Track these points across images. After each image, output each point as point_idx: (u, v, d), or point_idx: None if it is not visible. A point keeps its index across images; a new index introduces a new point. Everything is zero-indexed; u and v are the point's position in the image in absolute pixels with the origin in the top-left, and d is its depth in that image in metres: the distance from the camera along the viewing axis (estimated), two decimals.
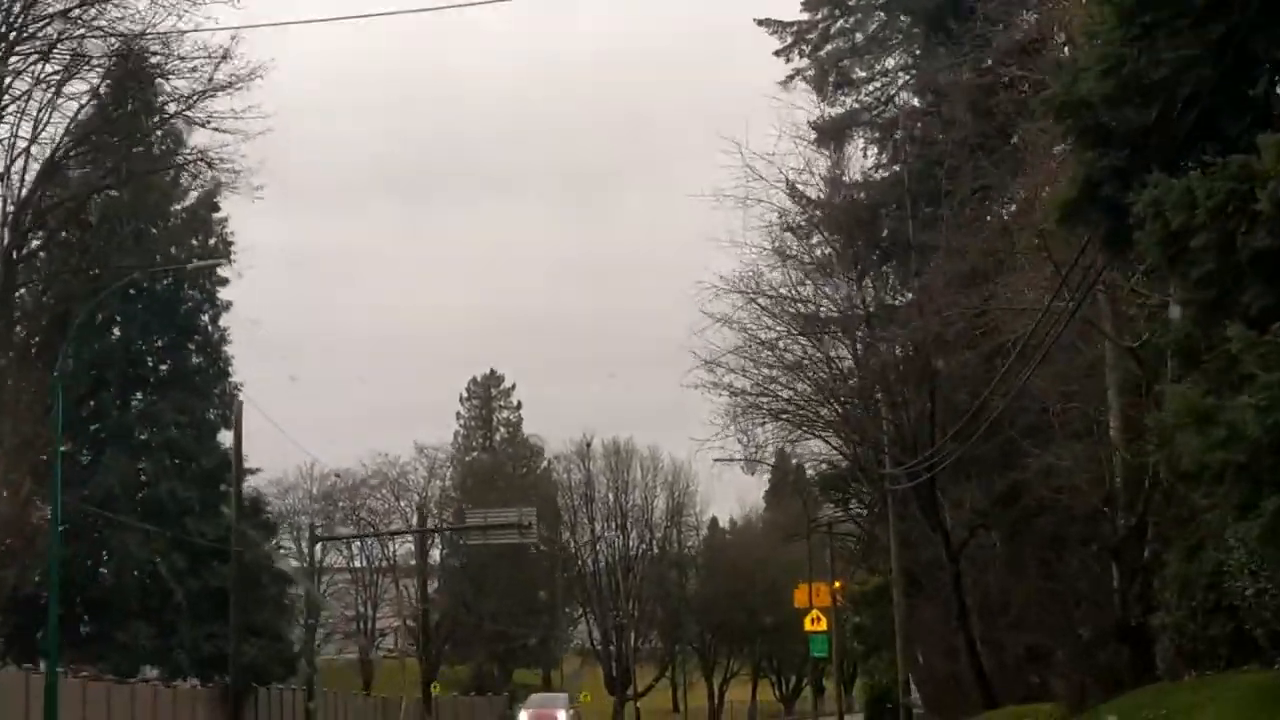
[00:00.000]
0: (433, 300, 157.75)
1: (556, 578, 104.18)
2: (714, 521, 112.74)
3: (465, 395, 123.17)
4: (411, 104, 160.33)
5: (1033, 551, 35.07)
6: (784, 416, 46.89)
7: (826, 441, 49.68)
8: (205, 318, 62.30)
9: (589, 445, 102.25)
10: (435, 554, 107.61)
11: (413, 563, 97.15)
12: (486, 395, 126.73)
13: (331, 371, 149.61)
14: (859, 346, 45.11)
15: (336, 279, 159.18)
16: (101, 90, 49.18)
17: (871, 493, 50.00)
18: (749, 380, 44.77)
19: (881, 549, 49.64)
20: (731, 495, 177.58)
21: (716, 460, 49.19)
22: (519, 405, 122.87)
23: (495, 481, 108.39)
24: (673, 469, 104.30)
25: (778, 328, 44.30)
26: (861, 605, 58.00)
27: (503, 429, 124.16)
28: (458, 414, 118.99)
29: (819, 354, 45.54)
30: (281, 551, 76.38)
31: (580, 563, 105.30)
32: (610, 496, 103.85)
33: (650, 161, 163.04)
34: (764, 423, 46.10)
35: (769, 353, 44.27)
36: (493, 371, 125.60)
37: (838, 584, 62.03)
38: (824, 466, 55.15)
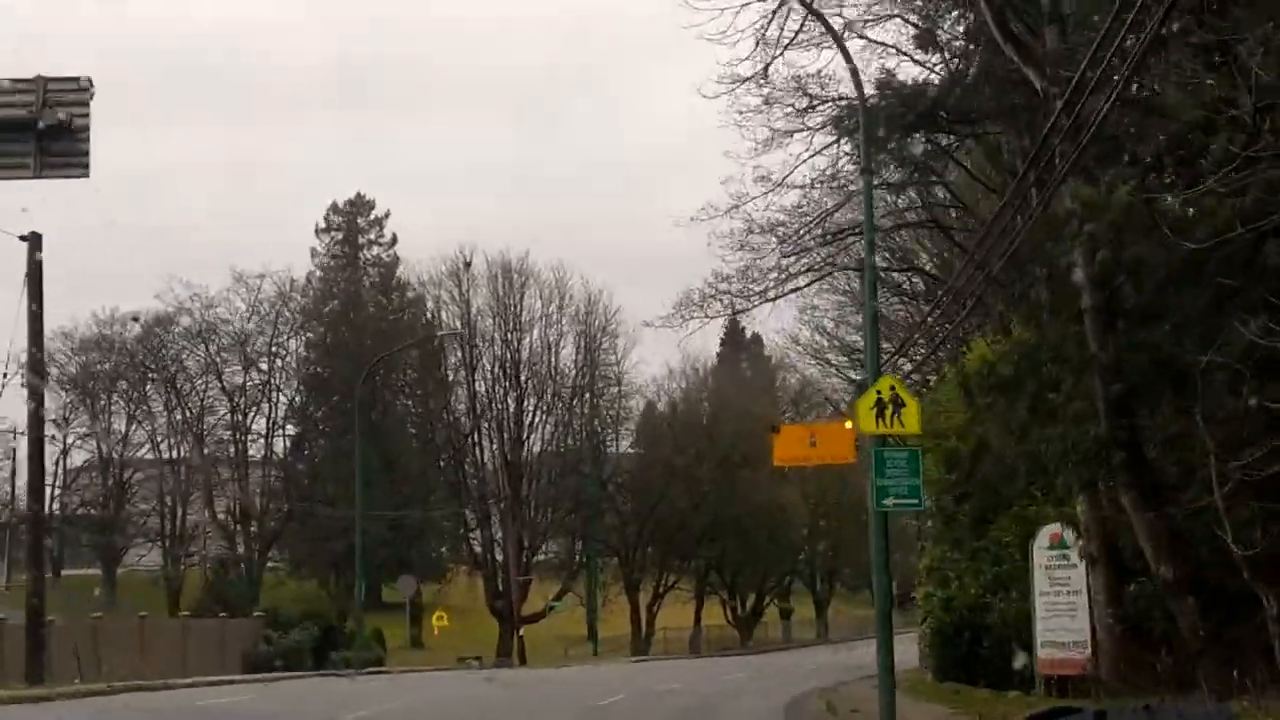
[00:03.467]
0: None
1: (439, 463, 77.27)
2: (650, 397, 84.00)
3: (322, 225, 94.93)
4: None
5: None
6: None
7: None
8: None
9: (468, 265, 74.33)
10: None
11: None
12: (351, 226, 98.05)
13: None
14: None
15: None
16: None
17: None
18: None
19: None
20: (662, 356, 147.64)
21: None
22: (394, 240, 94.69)
23: (362, 335, 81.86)
24: (586, 300, 76.55)
25: None
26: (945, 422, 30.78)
27: (372, 270, 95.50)
28: (312, 250, 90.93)
29: None
30: None
31: (454, 436, 77.46)
32: (496, 340, 75.74)
33: None
34: None
35: None
36: (360, 196, 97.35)
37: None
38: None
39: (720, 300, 31.57)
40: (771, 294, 32.00)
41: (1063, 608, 25.41)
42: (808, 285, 31.99)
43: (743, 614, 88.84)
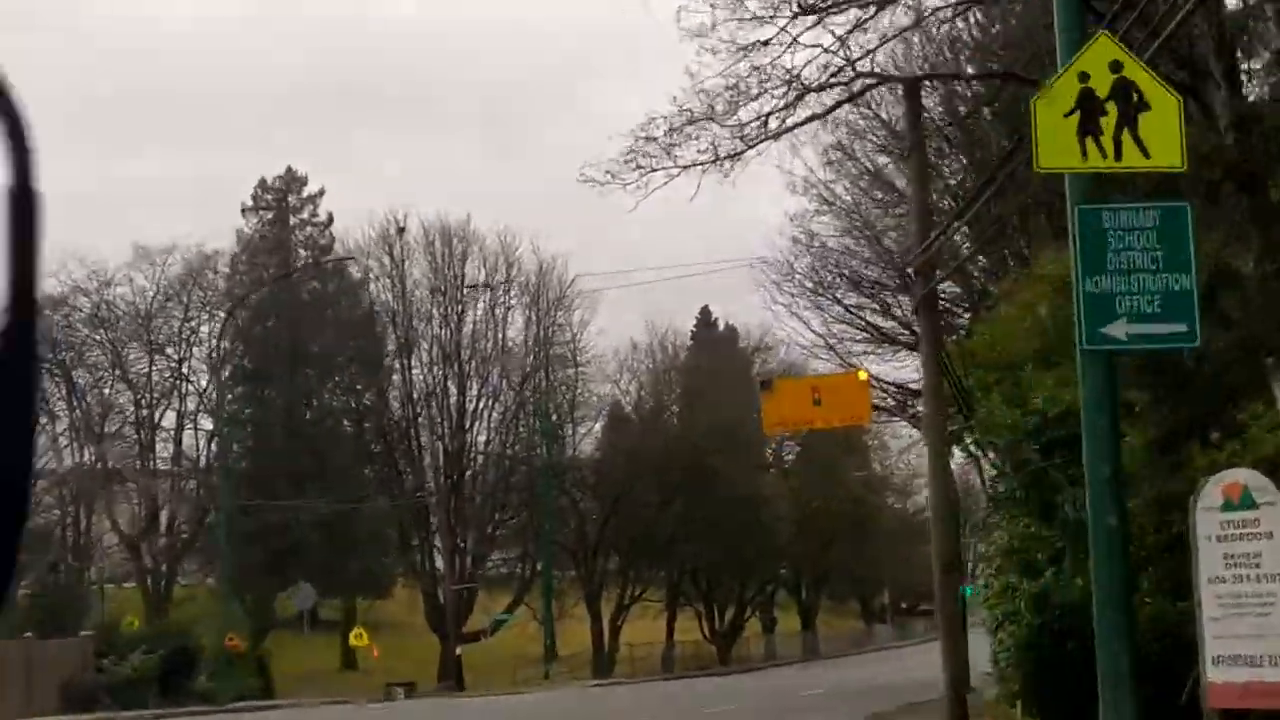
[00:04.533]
0: None
1: (370, 460, 67.92)
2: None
3: (250, 204, 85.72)
4: None
5: None
6: None
7: None
8: None
9: (401, 231, 65.01)
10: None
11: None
12: (282, 204, 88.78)
13: None
14: None
15: None
16: None
17: None
18: None
19: None
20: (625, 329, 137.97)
21: None
22: (329, 220, 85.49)
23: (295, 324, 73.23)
24: (537, 269, 67.32)
25: None
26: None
27: (304, 252, 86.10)
28: (238, 232, 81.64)
29: None
30: None
31: (387, 428, 68.06)
32: (435, 316, 66.34)
33: None
34: None
35: None
36: (291, 171, 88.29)
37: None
38: None
39: (695, 139, 19.94)
40: (776, 124, 20.28)
41: (1250, 602, 15.97)
42: (831, 110, 21.24)
43: (721, 628, 79.45)
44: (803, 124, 19.97)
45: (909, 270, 18.96)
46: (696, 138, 19.36)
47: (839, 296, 34.81)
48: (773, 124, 19.10)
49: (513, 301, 68.03)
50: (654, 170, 19.45)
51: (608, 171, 20.05)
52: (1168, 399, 15.04)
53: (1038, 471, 20.76)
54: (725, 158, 19.19)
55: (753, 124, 19.00)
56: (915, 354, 36.32)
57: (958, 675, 15.23)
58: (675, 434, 70.54)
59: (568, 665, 69.49)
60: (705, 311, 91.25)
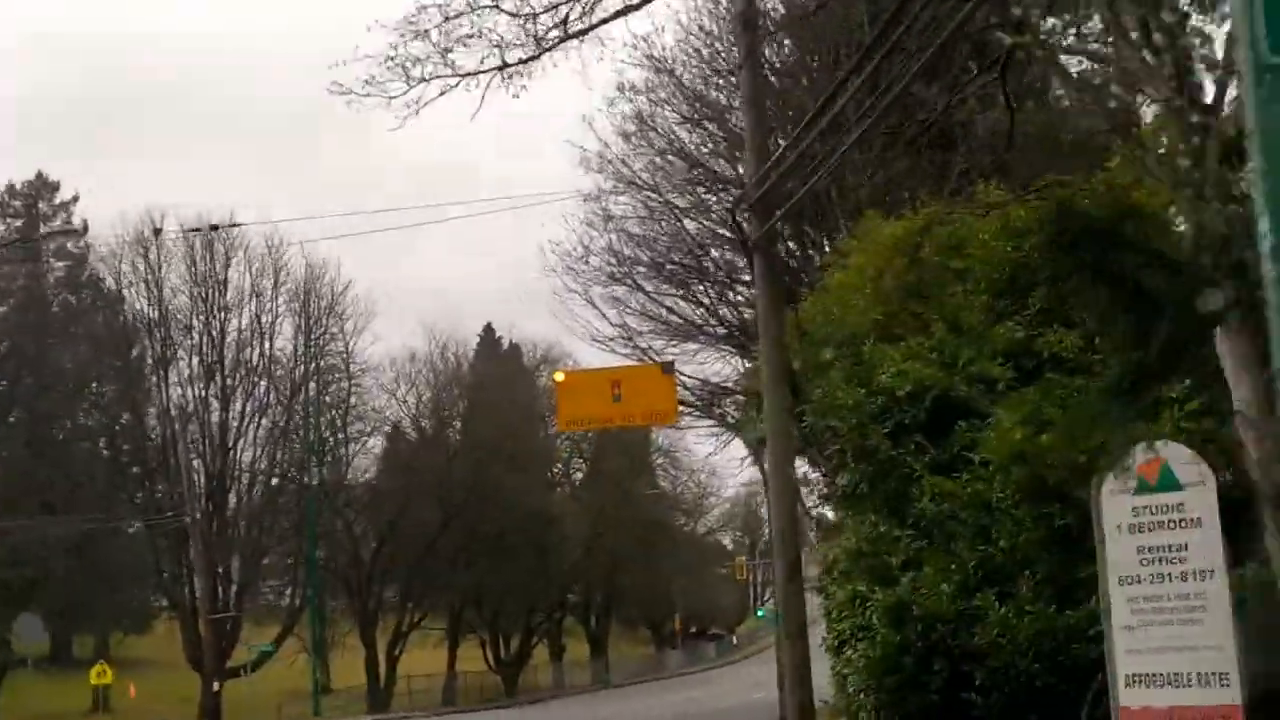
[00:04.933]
0: None
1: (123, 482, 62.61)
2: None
3: None
4: None
5: None
6: None
7: None
8: None
9: (158, 232, 59.85)
10: None
11: None
12: (32, 212, 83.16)
13: None
14: None
15: None
16: None
17: None
18: None
19: None
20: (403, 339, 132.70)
21: None
22: (85, 228, 78.58)
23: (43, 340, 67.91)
24: (307, 274, 62.83)
25: None
26: None
27: (57, 263, 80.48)
28: None
29: None
30: None
31: (141, 448, 62.82)
32: (195, 326, 61.29)
33: None
34: None
35: None
36: (42, 176, 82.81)
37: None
38: None
39: (477, 38, 15.41)
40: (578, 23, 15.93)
41: (1173, 607, 13.00)
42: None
43: (506, 656, 75.51)
44: (611, 19, 16.44)
45: (741, 210, 15.61)
46: (479, 35, 15.73)
47: (639, 282, 31.55)
48: (575, 24, 15.53)
49: (280, 309, 63.43)
50: (426, 80, 15.77)
51: (366, 81, 16.26)
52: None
53: (887, 460, 17.60)
54: (510, 66, 15.57)
55: (546, 16, 15.42)
56: (723, 350, 33.20)
57: (806, 702, 12.02)
58: (457, 450, 66.60)
59: (344, 699, 64.93)
60: (489, 329, 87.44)
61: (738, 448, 37.72)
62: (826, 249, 21.65)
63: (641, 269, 31.62)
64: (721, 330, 31.59)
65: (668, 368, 28.37)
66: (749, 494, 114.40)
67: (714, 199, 29.96)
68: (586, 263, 32.30)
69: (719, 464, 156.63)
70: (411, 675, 65.34)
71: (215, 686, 53.62)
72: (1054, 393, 16.65)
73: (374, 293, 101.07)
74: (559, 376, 28.61)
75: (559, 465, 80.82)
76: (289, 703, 61.40)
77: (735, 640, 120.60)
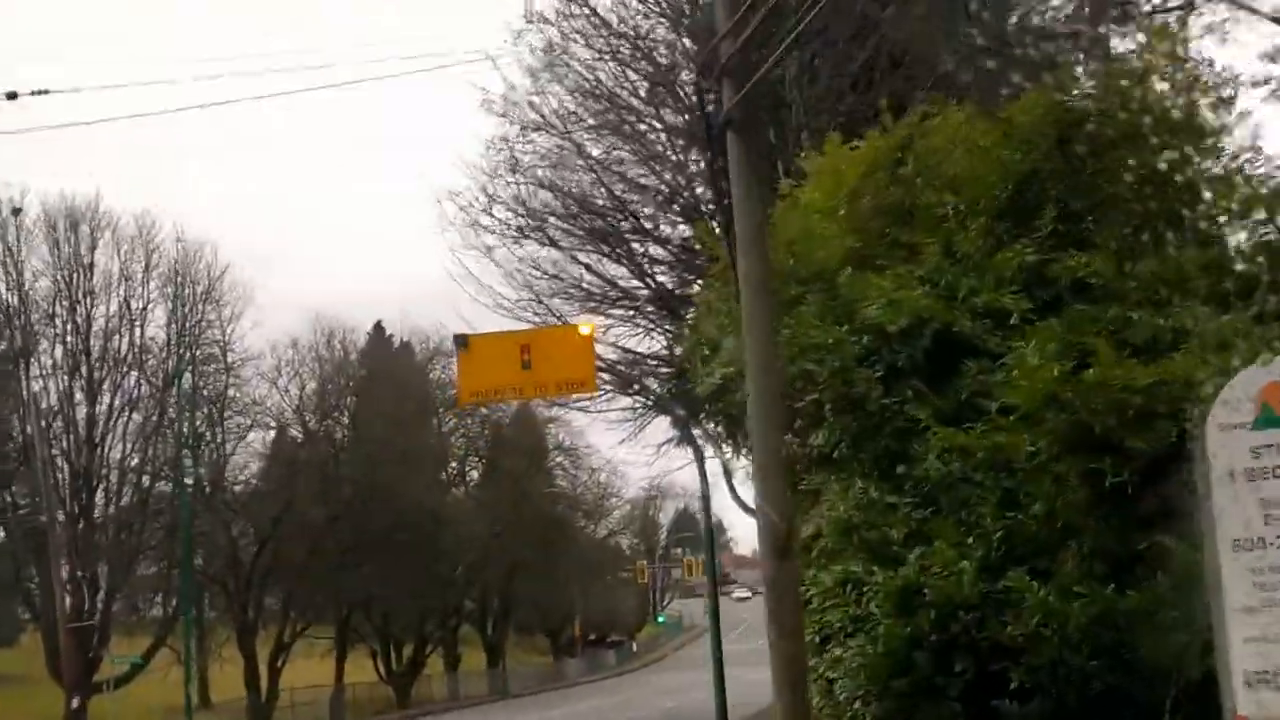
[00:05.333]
0: None
1: None
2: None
3: None
4: None
5: None
6: None
7: None
8: None
9: (17, 212, 55.40)
10: None
11: None
12: None
13: None
14: None
15: None
16: None
17: None
18: None
19: None
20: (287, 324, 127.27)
21: None
22: None
23: None
24: (181, 256, 58.81)
25: None
26: None
27: None
28: None
29: None
30: None
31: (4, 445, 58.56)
32: (59, 315, 56.97)
33: None
34: None
35: None
36: None
37: None
38: None
39: None
40: None
41: None
42: None
43: (398, 666, 71.52)
44: None
45: (705, 73, 12.22)
46: None
47: (552, 235, 28.02)
48: None
49: (152, 295, 59.00)
50: None
51: None
52: None
53: (878, 411, 14.26)
54: None
55: None
56: (646, 317, 29.67)
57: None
58: (345, 444, 62.61)
59: (227, 714, 60.66)
60: (379, 327, 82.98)
61: (655, 433, 34.50)
62: (783, 178, 18.35)
63: (554, 220, 28.13)
64: (645, 291, 28.15)
65: (586, 329, 24.98)
66: (647, 498, 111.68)
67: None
68: (490, 213, 28.75)
69: (626, 457, 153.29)
70: (296, 688, 61.17)
71: (75, 702, 49.16)
72: (1083, 325, 13.49)
73: (257, 277, 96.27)
74: (460, 341, 25.01)
75: (454, 465, 77.04)
76: (167, 718, 57.16)
77: (635, 647, 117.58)
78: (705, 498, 32.28)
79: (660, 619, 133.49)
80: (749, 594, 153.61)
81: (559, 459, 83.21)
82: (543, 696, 74.35)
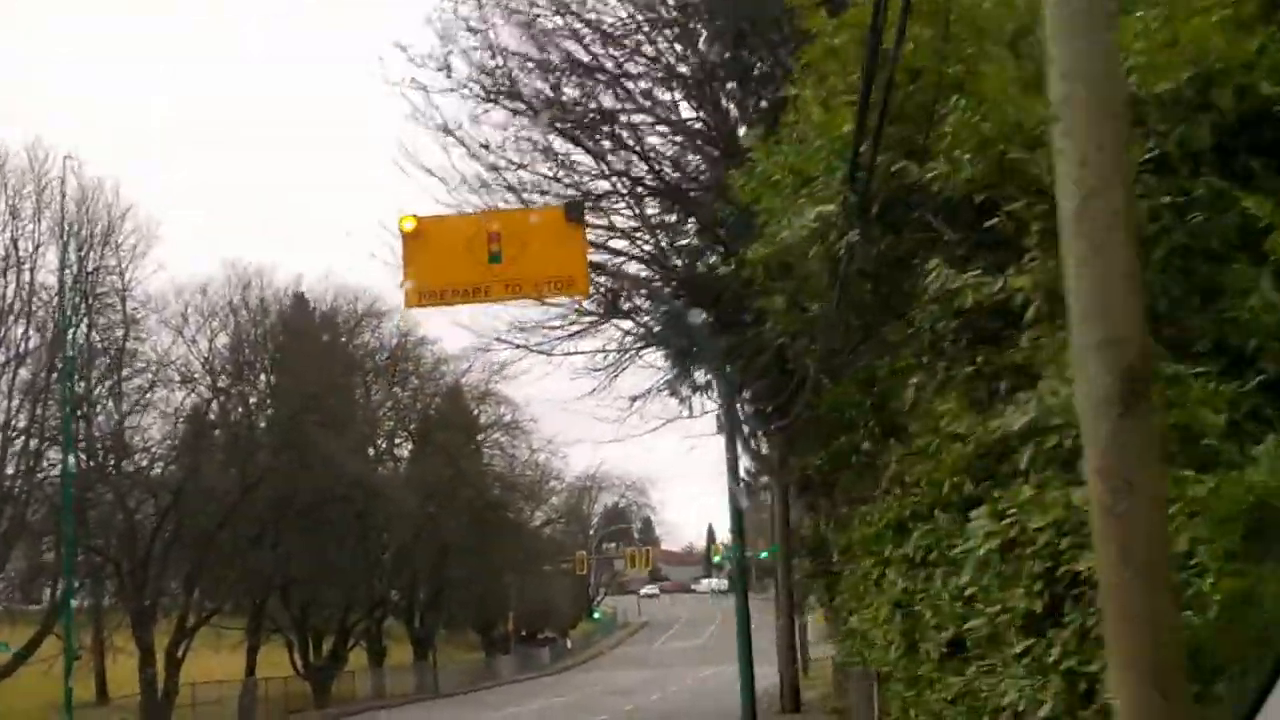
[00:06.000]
0: None
1: None
2: None
3: None
4: None
5: None
6: None
7: None
8: None
9: None
10: None
11: None
12: None
13: None
14: None
15: None
16: None
17: None
18: None
19: None
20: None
21: None
22: None
23: None
24: (78, 198, 52.39)
25: None
26: None
27: None
28: None
29: None
30: None
31: None
32: None
33: None
34: None
35: None
36: None
37: None
38: None
39: None
40: None
41: None
42: None
43: (318, 660, 65.16)
44: None
45: None
46: None
47: (526, 98, 22.06)
48: None
49: (44, 236, 52.37)
50: None
51: None
52: None
53: None
54: None
55: None
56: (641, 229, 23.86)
57: None
58: (262, 402, 56.23)
59: (124, 712, 54.18)
60: (300, 299, 75.80)
61: (629, 385, 29.01)
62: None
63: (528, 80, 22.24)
64: (649, 178, 22.30)
65: (575, 211, 19.11)
66: (583, 488, 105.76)
67: None
68: (448, 74, 22.80)
69: (576, 434, 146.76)
70: (200, 682, 54.64)
71: None
72: None
73: (164, 212, 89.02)
74: (407, 223, 19.06)
75: (381, 439, 70.72)
76: (51, 716, 50.63)
77: (570, 645, 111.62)
78: (731, 439, 26.14)
79: (595, 615, 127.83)
80: (657, 592, 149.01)
81: (497, 435, 77.43)
82: (477, 695, 68.47)
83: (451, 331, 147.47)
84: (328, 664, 65.37)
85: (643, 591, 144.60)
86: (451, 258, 18.78)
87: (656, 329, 23.59)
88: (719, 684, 63.94)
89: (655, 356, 32.61)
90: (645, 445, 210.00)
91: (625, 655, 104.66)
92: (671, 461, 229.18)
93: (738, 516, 29.16)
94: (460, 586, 74.68)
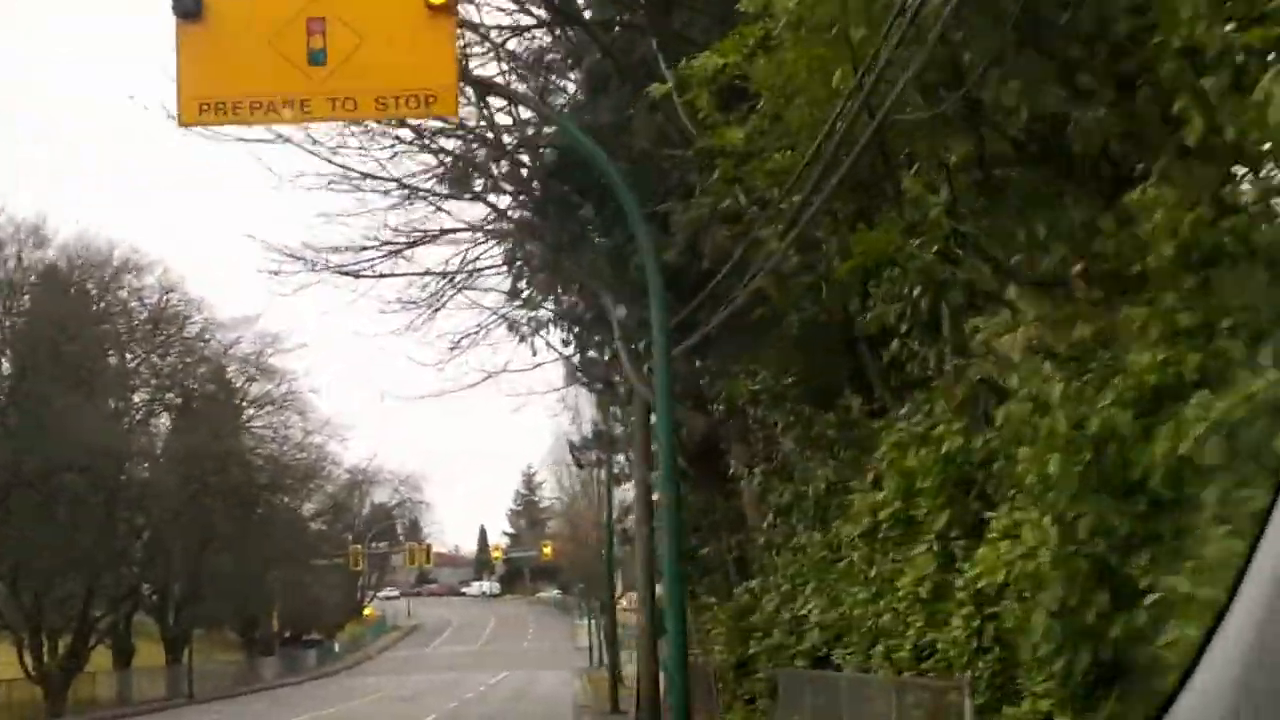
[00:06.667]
0: None
1: None
2: None
3: None
4: None
5: None
6: None
7: None
8: None
9: None
10: None
11: None
12: None
13: None
14: None
15: None
16: None
17: None
18: None
19: None
20: None
21: None
22: None
23: None
24: None
25: None
26: None
27: None
28: None
29: None
30: None
31: None
32: None
33: None
34: None
35: None
36: None
37: None
38: None
39: None
40: None
41: None
42: None
43: (53, 660, 57.75)
44: None
45: None
46: None
47: None
48: None
49: None
50: None
51: None
52: None
53: None
54: None
55: None
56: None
57: None
58: None
59: None
60: (53, 269, 67.25)
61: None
62: None
63: None
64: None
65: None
66: (352, 483, 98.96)
67: None
68: None
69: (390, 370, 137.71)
70: None
71: None
72: None
73: None
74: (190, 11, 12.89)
75: (139, 410, 63.12)
76: None
77: (337, 647, 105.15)
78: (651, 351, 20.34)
79: (365, 615, 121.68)
80: (398, 594, 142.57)
81: (267, 410, 70.66)
82: (239, 702, 62.19)
83: (236, 272, 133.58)
84: (65, 665, 58.01)
85: (383, 594, 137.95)
86: (253, 53, 12.77)
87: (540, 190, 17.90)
88: (512, 689, 59.09)
89: (496, 279, 27.52)
90: (426, 431, 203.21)
91: (398, 660, 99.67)
92: (452, 454, 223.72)
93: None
94: (221, 579, 67.68)
